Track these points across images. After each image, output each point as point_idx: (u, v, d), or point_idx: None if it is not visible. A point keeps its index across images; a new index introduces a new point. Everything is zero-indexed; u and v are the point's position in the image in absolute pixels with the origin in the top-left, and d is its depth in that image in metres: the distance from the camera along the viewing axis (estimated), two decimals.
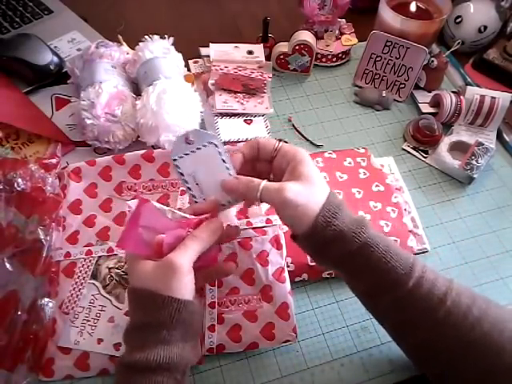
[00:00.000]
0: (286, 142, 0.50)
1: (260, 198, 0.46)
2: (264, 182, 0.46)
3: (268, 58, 0.82)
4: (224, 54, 0.76)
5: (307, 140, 0.75)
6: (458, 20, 0.85)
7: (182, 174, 0.49)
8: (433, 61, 0.77)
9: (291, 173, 0.47)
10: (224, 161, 0.49)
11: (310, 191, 0.45)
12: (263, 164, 0.51)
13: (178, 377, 0.42)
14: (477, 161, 0.70)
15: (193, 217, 0.48)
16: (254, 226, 0.59)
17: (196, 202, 0.49)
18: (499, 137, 0.76)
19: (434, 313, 0.44)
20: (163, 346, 0.42)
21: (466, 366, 0.44)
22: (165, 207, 0.47)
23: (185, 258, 0.44)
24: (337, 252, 0.46)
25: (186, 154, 0.48)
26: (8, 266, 0.54)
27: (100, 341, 0.53)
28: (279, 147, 0.49)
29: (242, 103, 0.73)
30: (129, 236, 0.45)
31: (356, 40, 0.84)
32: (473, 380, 0.44)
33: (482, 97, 0.74)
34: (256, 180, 0.47)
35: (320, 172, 0.48)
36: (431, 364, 0.47)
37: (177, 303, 0.42)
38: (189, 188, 0.49)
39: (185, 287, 0.44)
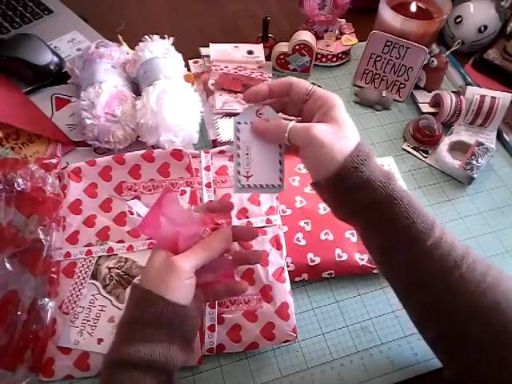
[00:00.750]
0: (319, 86, 0.48)
1: (288, 138, 0.45)
2: (292, 123, 0.45)
3: (268, 58, 0.82)
4: (224, 54, 0.76)
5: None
6: (458, 20, 0.85)
7: (238, 139, 0.48)
8: (433, 61, 0.77)
9: (322, 116, 0.45)
10: (280, 147, 0.48)
11: (339, 134, 0.44)
12: (294, 106, 0.49)
13: (162, 378, 0.42)
14: (477, 161, 0.70)
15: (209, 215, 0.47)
16: (253, 226, 0.59)
17: (238, 173, 0.48)
18: (499, 137, 0.76)
19: (448, 275, 0.43)
20: (146, 344, 0.41)
21: (471, 332, 0.43)
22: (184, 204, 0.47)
23: (188, 262, 0.44)
24: (361, 200, 0.44)
25: (251, 123, 0.48)
26: (8, 266, 0.54)
27: (100, 341, 0.53)
28: (312, 90, 0.47)
29: (242, 103, 0.73)
30: (150, 221, 0.45)
31: (356, 40, 0.84)
32: (475, 346, 0.44)
33: (482, 97, 0.74)
34: (284, 121, 0.46)
35: (352, 122, 0.47)
36: (436, 326, 0.46)
37: (166, 304, 0.42)
38: (238, 155, 0.48)
39: (180, 290, 0.43)
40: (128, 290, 0.56)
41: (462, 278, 0.43)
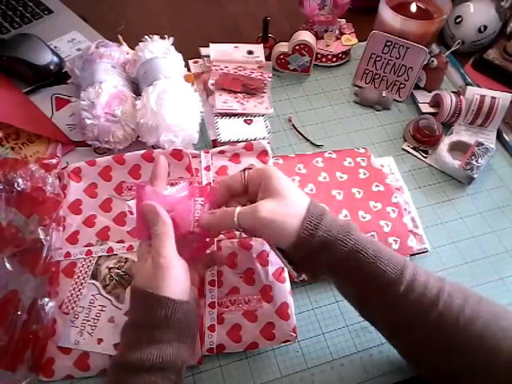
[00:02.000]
0: (250, 169, 0.50)
1: (238, 223, 0.46)
2: (238, 208, 0.46)
3: (268, 58, 0.82)
4: (224, 54, 0.76)
5: (307, 140, 0.75)
6: (458, 20, 0.85)
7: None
8: (433, 61, 0.77)
9: (263, 192, 0.47)
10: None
11: (285, 205, 0.45)
12: (240, 198, 0.50)
13: (172, 377, 0.42)
14: (477, 161, 0.70)
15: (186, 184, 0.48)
16: None
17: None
18: (499, 137, 0.76)
19: (425, 316, 0.44)
20: (157, 346, 0.42)
21: (460, 367, 0.44)
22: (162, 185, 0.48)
23: (167, 250, 0.44)
24: (325, 261, 0.45)
25: None
26: (8, 266, 0.54)
27: (100, 341, 0.53)
28: (246, 177, 0.49)
29: (242, 103, 0.73)
30: (141, 227, 0.46)
31: (356, 40, 0.84)
32: (466, 380, 0.44)
33: (482, 97, 0.74)
34: (229, 208, 0.47)
35: (295, 186, 0.48)
36: (424, 364, 0.47)
37: (171, 303, 0.42)
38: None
39: (178, 286, 0.44)
40: (128, 290, 0.55)
41: (441, 315, 0.43)
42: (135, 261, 0.57)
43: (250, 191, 0.49)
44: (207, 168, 0.63)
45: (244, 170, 0.50)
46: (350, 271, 0.45)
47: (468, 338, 0.43)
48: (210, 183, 0.48)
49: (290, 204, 0.45)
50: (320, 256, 0.45)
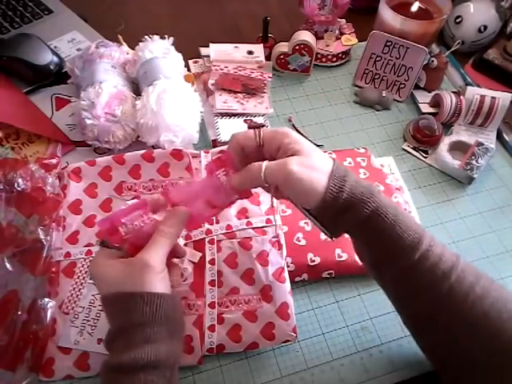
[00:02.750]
0: (262, 126, 0.48)
1: (264, 178, 0.45)
2: (265, 162, 0.45)
3: (268, 58, 0.82)
4: (224, 54, 0.76)
5: (307, 140, 0.75)
6: (458, 20, 0.85)
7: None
8: (433, 61, 0.77)
9: (285, 151, 0.45)
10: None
11: (312, 164, 0.44)
12: (254, 155, 0.48)
13: (167, 374, 0.42)
14: (477, 161, 0.70)
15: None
16: (253, 226, 0.59)
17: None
18: (499, 137, 0.76)
19: (437, 287, 0.44)
20: (150, 345, 0.41)
21: (461, 342, 0.44)
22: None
23: (157, 256, 0.43)
24: (347, 222, 0.45)
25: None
26: (8, 265, 0.54)
27: (100, 341, 0.53)
28: (261, 136, 0.46)
29: (242, 103, 0.73)
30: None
31: (356, 40, 0.84)
32: (465, 356, 0.45)
33: (482, 97, 0.74)
34: (256, 163, 0.46)
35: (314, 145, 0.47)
36: (428, 335, 0.47)
37: (158, 299, 0.42)
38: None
39: (160, 282, 0.43)
40: None
41: (451, 289, 0.44)
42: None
43: (265, 151, 0.47)
44: None
45: (254, 127, 0.47)
46: (369, 233, 0.45)
47: (474, 316, 0.43)
48: (222, 151, 0.47)
49: (316, 164, 0.44)
50: (343, 217, 0.45)
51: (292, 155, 0.44)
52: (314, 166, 0.44)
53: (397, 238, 0.44)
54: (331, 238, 0.48)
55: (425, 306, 0.45)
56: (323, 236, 0.61)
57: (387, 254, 0.45)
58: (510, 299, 0.45)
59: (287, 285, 0.56)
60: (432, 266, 0.44)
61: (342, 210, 0.44)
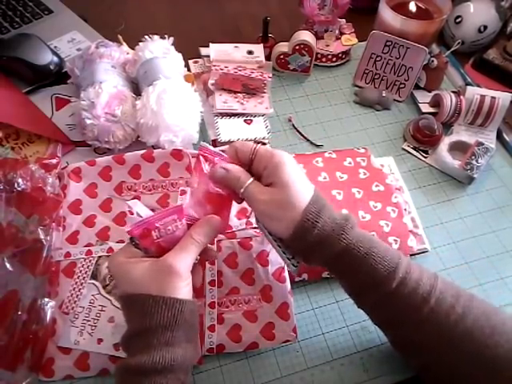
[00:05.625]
0: (264, 144, 0.50)
1: (243, 195, 0.47)
2: (249, 181, 0.46)
3: (268, 57, 0.82)
4: (224, 54, 0.76)
5: (307, 140, 0.75)
6: (458, 20, 0.85)
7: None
8: (433, 61, 0.77)
9: (268, 177, 0.46)
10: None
11: (287, 200, 0.45)
12: (243, 167, 0.49)
13: (181, 377, 0.42)
14: (477, 161, 0.70)
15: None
16: (254, 225, 0.59)
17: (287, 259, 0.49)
18: (499, 137, 0.76)
19: (417, 311, 0.45)
20: (168, 348, 0.41)
21: (449, 361, 0.45)
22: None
23: (185, 263, 0.44)
24: (320, 256, 0.46)
25: None
26: (8, 265, 0.54)
27: (100, 341, 0.53)
28: (256, 151, 0.47)
29: (242, 103, 0.73)
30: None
31: (356, 40, 0.84)
32: (455, 374, 0.45)
33: (482, 97, 0.74)
34: (244, 177, 0.47)
35: (302, 173, 0.47)
36: (416, 357, 0.48)
37: (179, 304, 0.42)
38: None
39: (184, 289, 0.44)
40: None
41: (432, 312, 0.44)
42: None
43: (253, 166, 0.48)
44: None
45: (257, 142, 0.49)
46: (343, 267, 0.47)
47: (458, 334, 0.44)
48: (222, 151, 0.49)
49: (292, 198, 0.45)
50: (315, 251, 0.46)
51: (272, 182, 0.45)
52: (288, 203, 0.45)
53: (372, 270, 0.45)
54: (294, 272, 0.49)
55: (407, 330, 0.46)
56: None
57: (363, 285, 0.46)
58: (491, 314, 0.45)
59: (287, 285, 0.56)
60: (410, 293, 0.45)
61: (313, 245, 0.45)
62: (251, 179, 0.47)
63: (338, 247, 0.45)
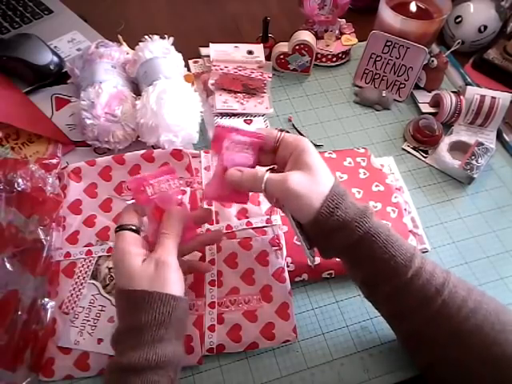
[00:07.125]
0: (287, 132, 0.50)
1: (264, 189, 0.46)
2: (267, 174, 0.46)
3: (268, 58, 0.82)
4: (224, 54, 0.76)
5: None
6: (457, 20, 0.85)
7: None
8: (433, 61, 0.77)
9: (294, 163, 0.47)
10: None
11: (313, 181, 0.45)
12: (266, 156, 0.50)
13: (171, 374, 0.42)
14: (477, 161, 0.70)
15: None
16: (254, 225, 0.59)
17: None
18: (499, 137, 0.76)
19: (430, 303, 0.45)
20: (161, 345, 0.42)
21: (456, 356, 0.45)
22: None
23: (169, 254, 0.45)
24: (339, 241, 0.46)
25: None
26: (8, 265, 0.54)
27: (100, 341, 0.53)
28: (281, 137, 0.48)
29: (242, 103, 0.73)
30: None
31: (356, 40, 0.84)
32: (460, 371, 0.45)
33: (482, 97, 0.74)
34: (260, 171, 0.47)
35: (323, 163, 0.48)
36: (423, 353, 0.48)
37: (174, 301, 0.43)
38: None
39: (177, 284, 0.44)
40: None
41: (444, 304, 0.44)
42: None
43: (278, 153, 0.49)
44: (207, 168, 0.64)
45: (281, 130, 0.50)
46: (361, 254, 0.46)
47: (468, 329, 0.44)
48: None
49: (317, 181, 0.46)
50: (335, 236, 0.46)
51: (298, 166, 0.46)
52: (314, 183, 0.45)
53: (389, 258, 0.45)
54: (312, 263, 0.50)
55: (419, 322, 0.46)
56: None
57: (380, 273, 0.46)
58: (502, 311, 0.45)
59: (287, 285, 0.56)
60: (425, 283, 0.45)
61: (334, 229, 0.45)
62: (268, 172, 0.47)
63: (359, 233, 0.45)
